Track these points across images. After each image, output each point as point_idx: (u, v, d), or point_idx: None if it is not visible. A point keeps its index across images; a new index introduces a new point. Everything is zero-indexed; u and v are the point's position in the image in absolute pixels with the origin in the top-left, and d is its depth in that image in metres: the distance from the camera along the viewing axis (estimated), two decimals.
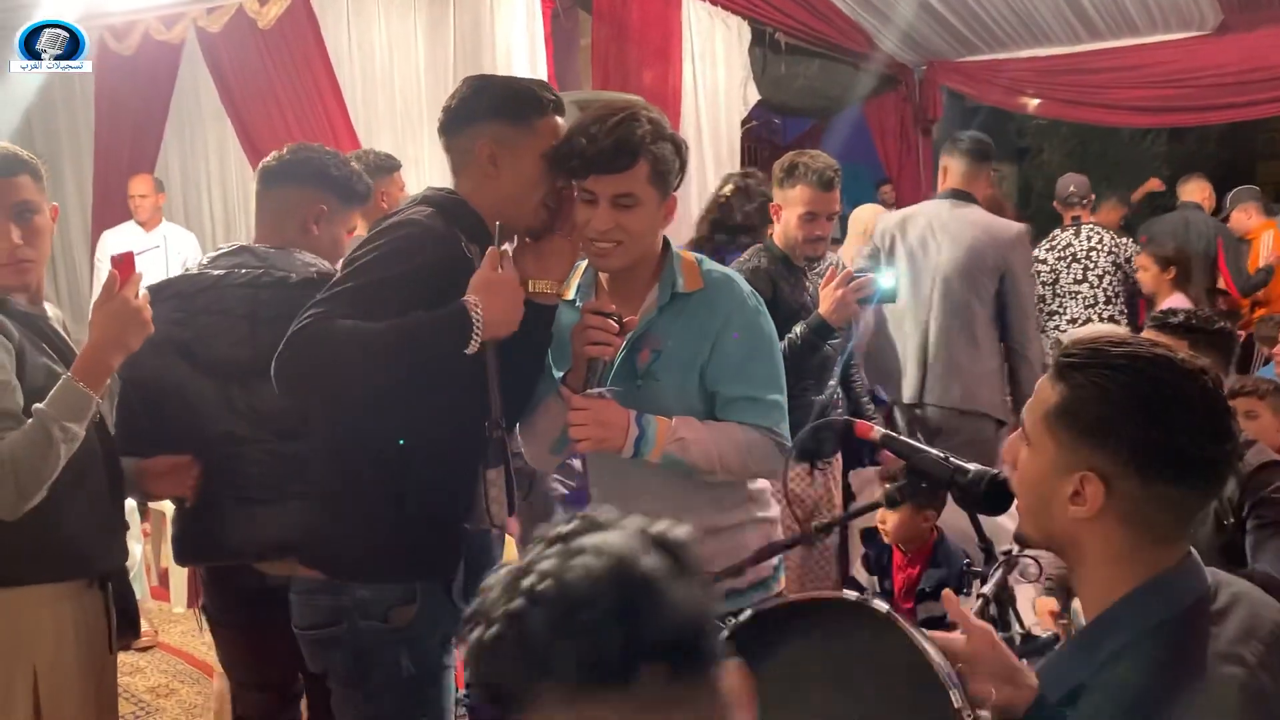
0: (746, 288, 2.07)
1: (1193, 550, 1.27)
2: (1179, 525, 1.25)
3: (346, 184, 2.50)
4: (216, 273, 2.31)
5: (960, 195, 3.92)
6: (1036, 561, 2.10)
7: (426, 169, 5.00)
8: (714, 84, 5.88)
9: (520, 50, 4.97)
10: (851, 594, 1.49)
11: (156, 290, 2.25)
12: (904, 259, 3.88)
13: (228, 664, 2.63)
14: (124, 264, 2.02)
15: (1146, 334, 2.58)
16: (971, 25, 7.29)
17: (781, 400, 2.03)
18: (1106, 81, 7.49)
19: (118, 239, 5.66)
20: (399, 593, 1.92)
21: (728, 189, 3.68)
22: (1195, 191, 6.68)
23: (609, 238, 1.94)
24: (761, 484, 2.18)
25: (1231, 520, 2.43)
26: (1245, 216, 6.69)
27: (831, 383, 3.27)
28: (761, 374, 2.02)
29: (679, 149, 2.01)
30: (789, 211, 3.18)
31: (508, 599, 0.81)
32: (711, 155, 5.78)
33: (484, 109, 1.96)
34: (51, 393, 1.95)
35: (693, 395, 2.02)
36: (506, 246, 1.95)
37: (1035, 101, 8.11)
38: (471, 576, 2.03)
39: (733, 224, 3.60)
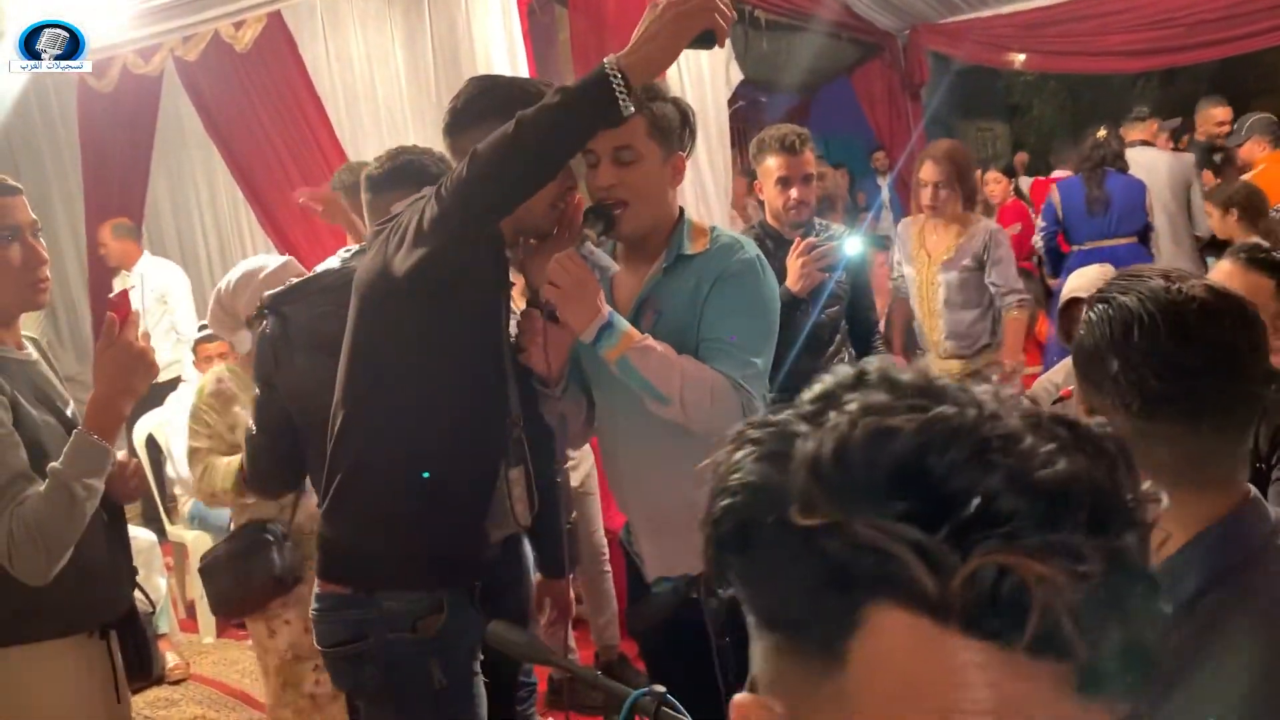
0: (753, 251, 2.04)
1: (1253, 489, 1.20)
2: (1208, 467, 1.17)
3: None
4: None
5: None
6: None
7: None
8: (696, 66, 5.82)
9: (499, 50, 4.94)
10: None
11: (304, 284, 2.35)
12: None
13: None
14: (120, 305, 1.99)
15: (1225, 265, 2.42)
16: None
17: (758, 363, 1.97)
18: (1092, 29, 7.43)
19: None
20: (426, 602, 1.90)
21: None
22: (1140, 131, 6.23)
23: (613, 195, 1.95)
24: None
25: (1262, 465, 2.38)
26: (1259, 148, 6.39)
27: (830, 352, 3.24)
28: (743, 328, 1.97)
29: (683, 110, 2.03)
30: (766, 184, 3.27)
31: None
32: (701, 138, 5.68)
33: (492, 109, 1.94)
34: (66, 450, 1.91)
35: (692, 355, 1.99)
36: (589, 243, 1.95)
37: (1022, 57, 8.05)
38: (496, 585, 2.01)
39: None
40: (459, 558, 1.95)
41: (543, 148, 1.77)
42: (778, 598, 0.55)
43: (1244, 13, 6.82)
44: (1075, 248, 5.24)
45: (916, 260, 4.25)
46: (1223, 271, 2.45)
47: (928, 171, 4.11)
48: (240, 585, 2.76)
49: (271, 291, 2.38)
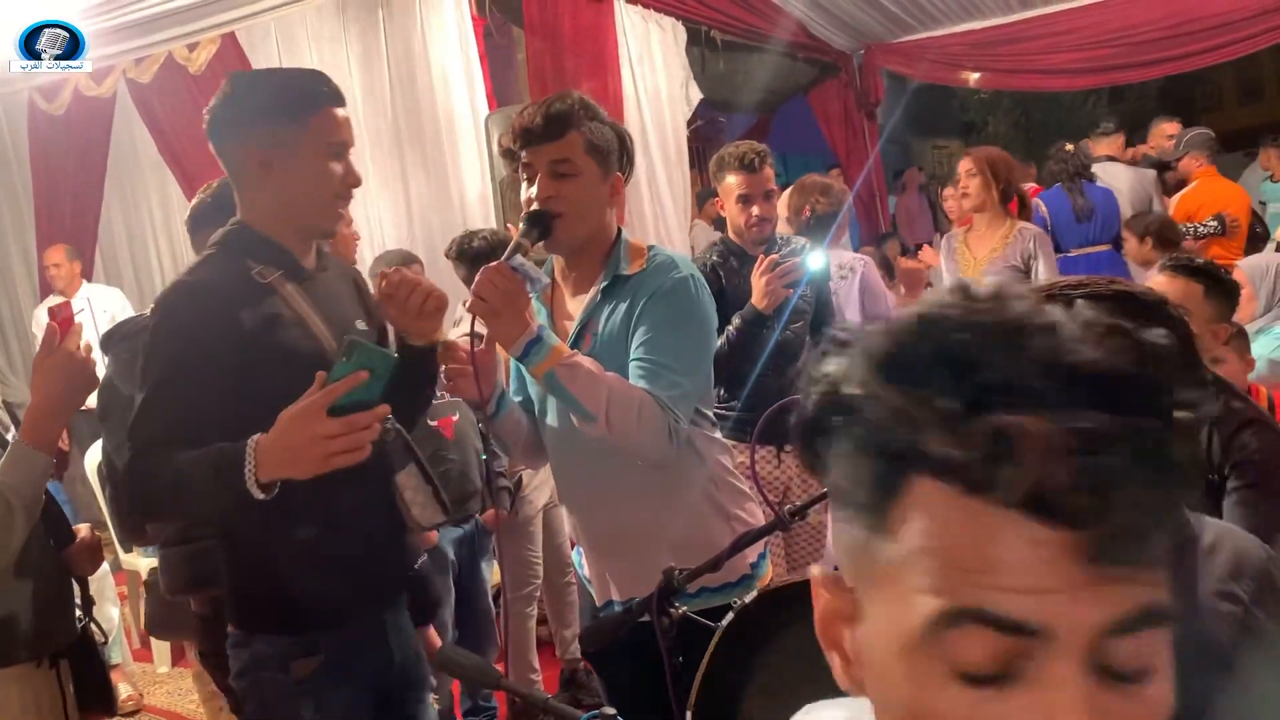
0: (687, 270, 2.03)
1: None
2: None
3: None
4: None
5: None
6: None
7: (373, 200, 4.97)
8: (655, 87, 5.86)
9: (456, 72, 4.94)
10: None
11: (129, 322, 2.33)
12: None
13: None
14: (63, 317, 1.96)
15: (1158, 277, 2.53)
16: (903, 5, 7.33)
17: (686, 384, 1.93)
18: (1043, 48, 7.56)
19: (44, 313, 5.60)
20: (299, 645, 1.82)
21: None
22: (1106, 146, 6.38)
23: (551, 206, 1.96)
24: (734, 488, 2.13)
25: (1215, 477, 2.42)
26: (1195, 163, 6.60)
27: (797, 368, 3.26)
28: (671, 347, 1.94)
29: (619, 134, 2.05)
30: (727, 201, 3.27)
31: None
32: (660, 157, 5.76)
33: (251, 112, 1.83)
34: (1, 460, 1.88)
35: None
36: (519, 255, 1.91)
37: (975, 75, 8.18)
38: (421, 608, 1.98)
39: None
40: (333, 600, 1.83)
41: (178, 495, 1.71)
42: (841, 473, 0.59)
43: (1187, 32, 6.98)
44: (1061, 254, 5.38)
45: (962, 261, 4.35)
46: (1155, 283, 2.52)
47: (962, 165, 4.29)
48: (167, 610, 2.75)
49: (108, 329, 2.34)
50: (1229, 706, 1.09)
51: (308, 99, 1.82)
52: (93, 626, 2.24)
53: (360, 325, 1.94)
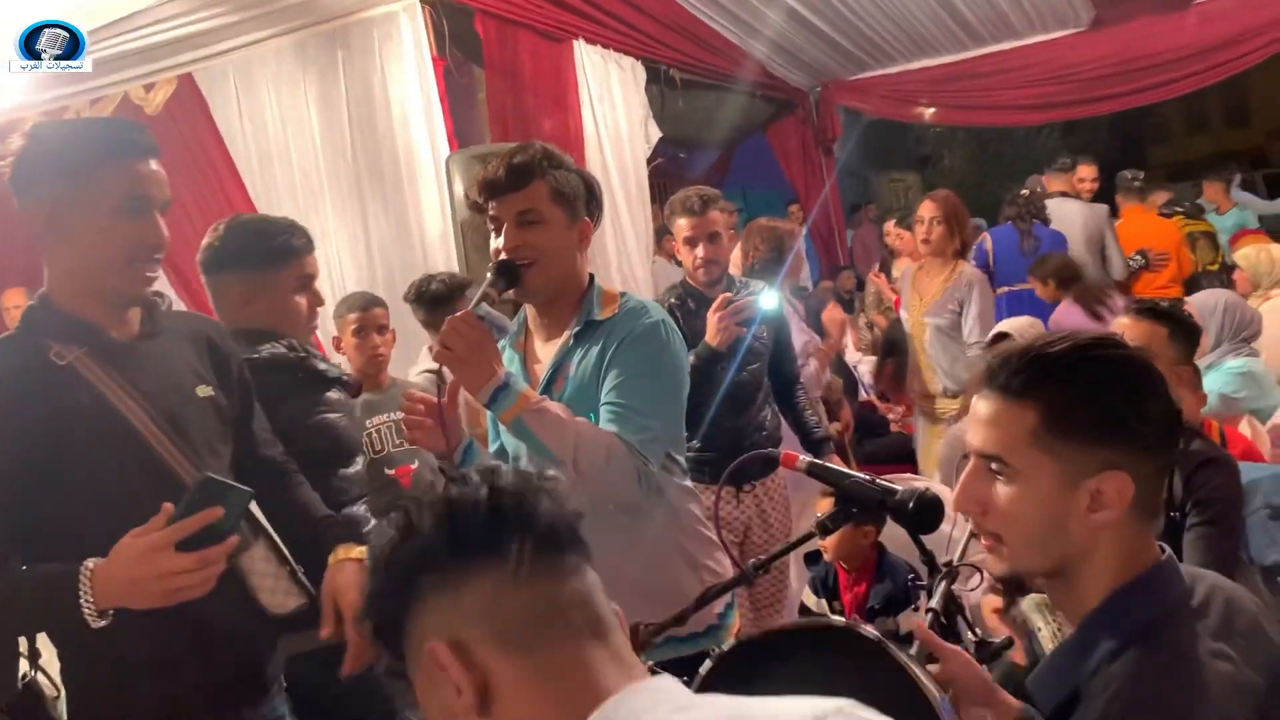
0: (658, 316, 2.04)
1: (1167, 550, 1.24)
2: (1159, 498, 1.25)
3: None
4: None
5: None
6: (979, 569, 2.10)
7: (333, 240, 4.94)
8: (615, 125, 5.91)
9: (416, 111, 4.95)
10: (839, 619, 1.46)
11: None
12: None
13: None
14: None
15: (1124, 320, 2.61)
16: (859, 43, 7.46)
17: (656, 428, 1.93)
18: (994, 84, 7.72)
19: None
20: None
21: None
22: (1061, 183, 6.47)
23: (519, 255, 1.96)
24: (703, 537, 2.13)
25: (1177, 514, 2.46)
26: (1122, 200, 6.90)
27: (754, 409, 3.28)
28: (641, 391, 1.94)
29: (586, 181, 2.07)
30: (678, 243, 3.32)
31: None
32: (621, 195, 5.79)
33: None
34: None
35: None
36: (485, 304, 1.90)
37: (929, 111, 8.32)
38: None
39: None
40: (161, 711, 1.68)
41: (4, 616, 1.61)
42: None
43: (1135, 69, 7.16)
44: (1005, 289, 5.49)
45: (910, 304, 4.46)
46: (1120, 325, 2.57)
47: (925, 208, 4.35)
48: None
49: None
50: None
51: (101, 150, 1.66)
52: (40, 679, 2.17)
53: (202, 392, 1.80)
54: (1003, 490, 1.21)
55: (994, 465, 1.22)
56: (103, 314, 1.70)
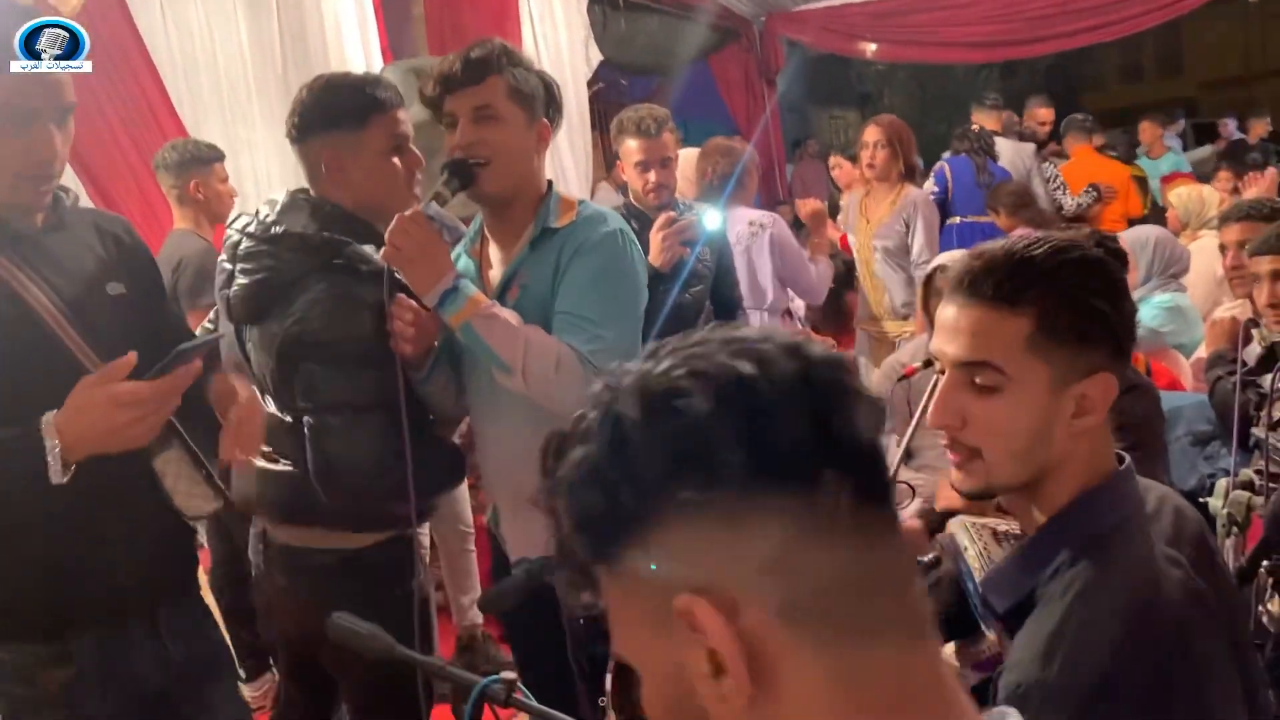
0: (616, 225, 2.00)
1: (1126, 459, 1.25)
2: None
3: None
4: None
5: None
6: (910, 487, 2.13)
7: (260, 151, 4.78)
8: (555, 45, 5.78)
9: (350, 22, 4.78)
10: None
11: None
12: None
13: None
14: None
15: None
16: None
17: (608, 338, 1.89)
18: (939, 20, 7.71)
19: None
20: (45, 653, 1.62)
21: None
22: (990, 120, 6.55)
23: (473, 153, 1.90)
24: None
25: None
26: (1072, 142, 7.22)
27: (696, 329, 3.26)
28: (595, 301, 1.91)
29: (546, 81, 2.01)
30: (626, 166, 3.27)
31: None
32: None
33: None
34: None
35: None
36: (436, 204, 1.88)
37: (873, 46, 8.27)
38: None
39: None
40: (72, 605, 1.62)
41: None
42: None
43: (1077, 9, 7.20)
44: (959, 219, 5.61)
45: (857, 228, 4.52)
46: None
47: (869, 133, 4.39)
48: None
49: None
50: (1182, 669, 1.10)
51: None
52: None
53: (114, 289, 1.73)
54: (988, 400, 1.18)
55: (981, 376, 1.18)
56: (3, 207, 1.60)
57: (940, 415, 1.21)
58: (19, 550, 1.58)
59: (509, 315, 1.87)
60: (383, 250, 1.82)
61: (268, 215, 1.97)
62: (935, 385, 1.24)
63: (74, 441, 1.48)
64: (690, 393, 0.63)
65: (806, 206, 4.43)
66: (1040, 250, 1.19)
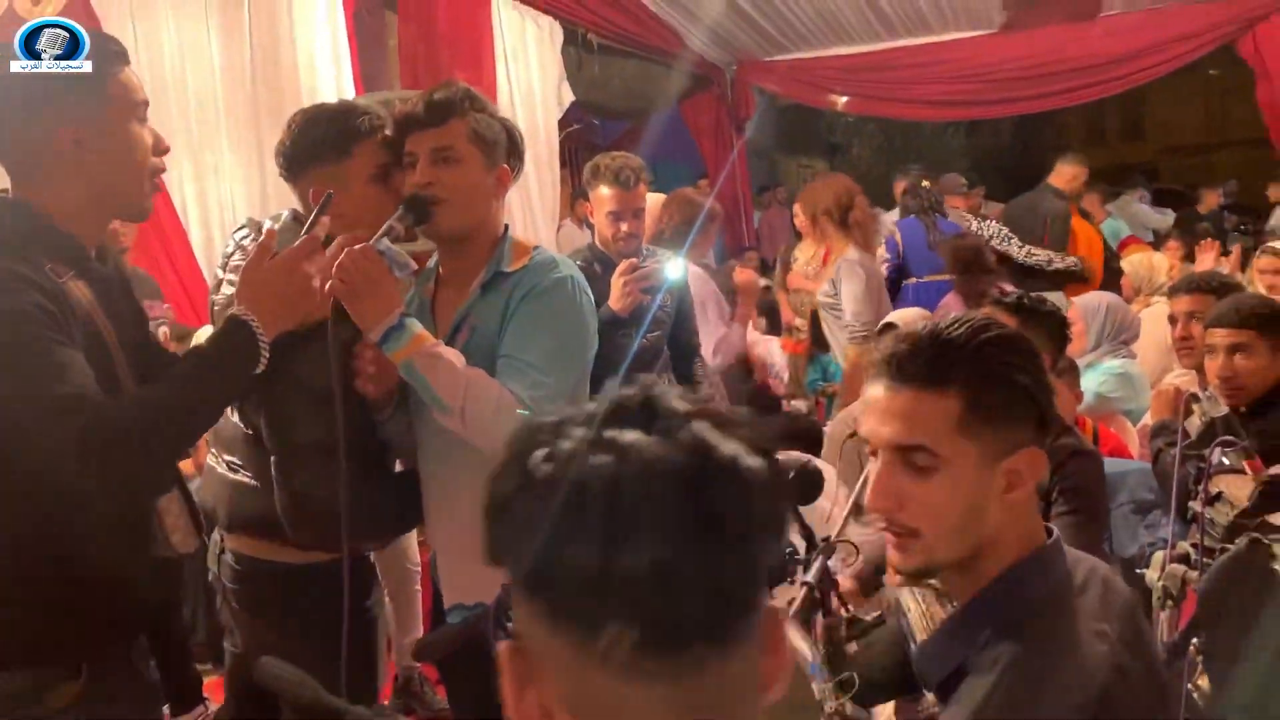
0: (567, 271, 2.01)
1: (1054, 532, 1.27)
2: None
3: None
4: None
5: None
6: (855, 546, 2.13)
7: (227, 176, 4.76)
8: (528, 85, 5.81)
9: (324, 53, 4.78)
10: None
11: None
12: None
13: None
14: None
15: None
16: (777, 24, 7.49)
17: (550, 385, 1.88)
18: (907, 77, 7.84)
19: None
20: (49, 676, 1.60)
21: None
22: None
23: (430, 192, 1.91)
24: None
25: (1043, 503, 2.54)
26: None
27: (654, 374, 3.27)
28: (539, 347, 1.91)
29: (508, 128, 2.03)
30: (597, 212, 3.28)
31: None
32: (530, 157, 5.65)
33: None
34: None
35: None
36: (387, 240, 1.88)
37: (842, 99, 8.40)
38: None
39: None
40: (78, 627, 1.61)
41: (192, 422, 1.64)
42: None
43: (1045, 74, 7.35)
44: (914, 280, 5.62)
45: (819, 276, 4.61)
46: (985, 314, 2.64)
47: (795, 207, 4.60)
48: None
49: None
50: None
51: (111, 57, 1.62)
52: None
53: (152, 326, 1.88)
54: (925, 482, 1.19)
55: (916, 458, 1.19)
56: (89, 235, 1.64)
57: (878, 499, 1.22)
58: (39, 583, 1.57)
59: (453, 356, 1.87)
60: (329, 284, 1.80)
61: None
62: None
63: (269, 318, 1.64)
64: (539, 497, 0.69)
65: (741, 275, 4.46)
66: (960, 331, 1.22)
